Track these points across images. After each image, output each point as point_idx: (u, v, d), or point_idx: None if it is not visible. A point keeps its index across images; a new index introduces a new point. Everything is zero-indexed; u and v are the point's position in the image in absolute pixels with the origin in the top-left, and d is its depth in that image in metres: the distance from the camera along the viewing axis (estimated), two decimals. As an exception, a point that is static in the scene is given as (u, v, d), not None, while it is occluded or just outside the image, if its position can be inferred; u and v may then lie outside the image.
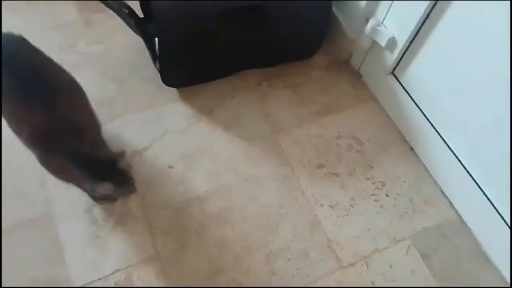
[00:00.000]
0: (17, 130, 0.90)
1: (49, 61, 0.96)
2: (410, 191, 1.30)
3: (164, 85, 1.39)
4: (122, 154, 0.93)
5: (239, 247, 1.17)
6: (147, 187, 1.24)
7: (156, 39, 1.29)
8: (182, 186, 1.25)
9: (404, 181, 1.32)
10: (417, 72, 1.27)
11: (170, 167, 1.28)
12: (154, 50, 1.34)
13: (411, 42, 1.24)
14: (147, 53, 1.39)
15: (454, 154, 1.23)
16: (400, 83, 1.36)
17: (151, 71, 1.41)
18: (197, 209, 1.22)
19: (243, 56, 1.38)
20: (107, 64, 1.44)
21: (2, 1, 1.52)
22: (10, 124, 0.92)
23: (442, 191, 1.31)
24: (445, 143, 1.25)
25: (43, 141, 0.87)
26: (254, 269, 1.14)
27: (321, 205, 1.26)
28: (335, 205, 1.26)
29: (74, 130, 0.88)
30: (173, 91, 1.42)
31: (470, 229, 1.25)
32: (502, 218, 1.14)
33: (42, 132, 0.86)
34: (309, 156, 1.34)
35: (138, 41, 1.39)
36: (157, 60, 1.35)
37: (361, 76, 1.52)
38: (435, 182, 1.32)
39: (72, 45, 1.48)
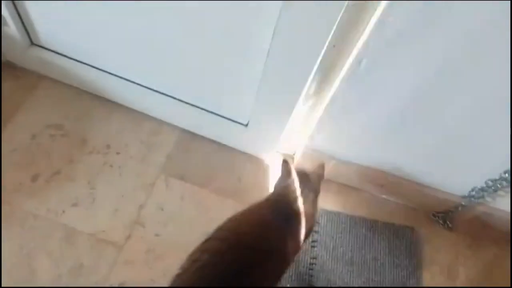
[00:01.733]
0: None
1: None
2: (130, 135, 1.25)
3: None
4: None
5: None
6: None
7: None
8: None
9: (121, 132, 1.25)
10: (49, 29, 1.15)
11: None
12: None
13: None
14: None
15: (132, 81, 1.21)
16: (47, 48, 1.21)
17: None
18: None
19: None
20: None
21: None
22: None
23: (156, 118, 1.29)
24: (119, 76, 1.21)
25: None
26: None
27: (63, 211, 1.10)
28: (77, 200, 1.12)
29: None
30: None
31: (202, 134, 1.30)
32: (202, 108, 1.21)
33: None
34: (15, 178, 1.12)
35: None
36: None
37: (13, 64, 1.29)
38: (149, 115, 1.29)
39: None
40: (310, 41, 0.84)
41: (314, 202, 0.96)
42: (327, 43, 0.84)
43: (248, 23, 0.89)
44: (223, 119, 1.20)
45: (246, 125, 1.19)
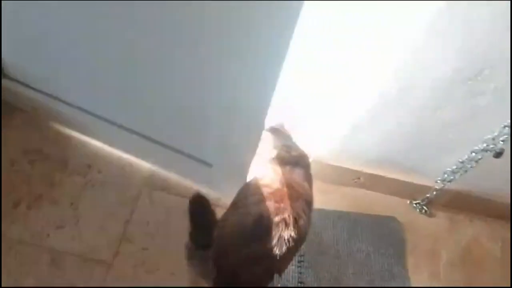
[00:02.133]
0: None
1: None
2: (110, 153, 1.26)
3: None
4: None
5: None
6: None
7: None
8: None
9: (101, 150, 1.25)
10: (19, 62, 1.16)
11: None
12: None
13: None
14: None
15: (100, 117, 1.18)
16: (17, 81, 1.21)
17: None
18: None
19: None
20: None
21: None
22: None
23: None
24: (87, 111, 1.19)
25: None
26: None
27: (48, 235, 1.09)
28: (61, 222, 1.12)
29: None
30: None
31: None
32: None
33: None
34: (-3, 206, 1.12)
35: None
36: None
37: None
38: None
39: None
40: (266, 78, 0.83)
41: (296, 145, 1.07)
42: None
43: (211, 60, 0.87)
44: (188, 158, 1.17)
45: (211, 165, 1.16)
